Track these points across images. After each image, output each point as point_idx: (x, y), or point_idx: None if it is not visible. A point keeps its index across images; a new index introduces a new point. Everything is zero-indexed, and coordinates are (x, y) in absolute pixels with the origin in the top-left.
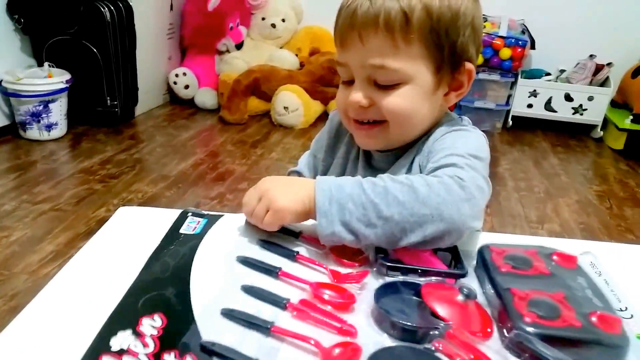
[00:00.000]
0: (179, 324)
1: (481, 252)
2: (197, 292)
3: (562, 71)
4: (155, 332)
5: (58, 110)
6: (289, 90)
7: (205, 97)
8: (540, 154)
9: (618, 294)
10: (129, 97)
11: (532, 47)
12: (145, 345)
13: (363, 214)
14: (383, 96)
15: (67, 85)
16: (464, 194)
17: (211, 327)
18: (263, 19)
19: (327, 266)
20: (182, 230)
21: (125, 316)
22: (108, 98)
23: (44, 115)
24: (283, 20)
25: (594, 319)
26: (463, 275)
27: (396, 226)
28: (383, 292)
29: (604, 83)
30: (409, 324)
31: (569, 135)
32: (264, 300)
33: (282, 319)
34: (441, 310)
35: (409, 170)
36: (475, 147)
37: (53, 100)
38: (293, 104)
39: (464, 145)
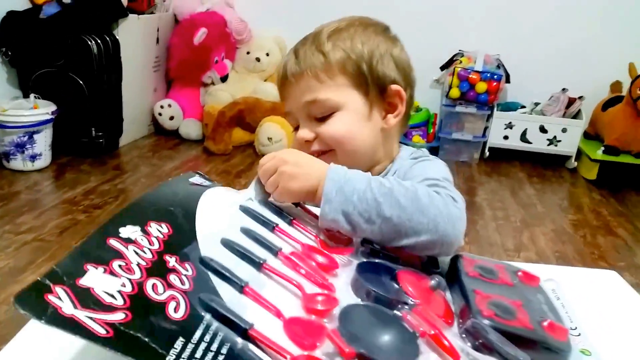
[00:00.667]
0: (183, 237)
1: (453, 259)
2: (201, 220)
3: (537, 104)
4: (161, 236)
5: (43, 141)
6: (272, 122)
7: (190, 128)
8: (516, 184)
9: (571, 315)
10: (114, 129)
11: (507, 81)
12: (151, 243)
13: (365, 210)
14: (323, 127)
15: (53, 116)
16: (458, 212)
17: (210, 249)
18: (248, 53)
19: (318, 236)
20: (190, 180)
21: (135, 215)
22: (93, 129)
23: (28, 146)
24: (267, 55)
25: (544, 324)
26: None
27: (393, 227)
28: (365, 267)
29: (576, 115)
30: (381, 293)
31: (544, 165)
32: (259, 244)
33: (272, 262)
34: (412, 290)
35: None
36: (445, 173)
37: (38, 131)
38: (276, 134)
39: (435, 172)
